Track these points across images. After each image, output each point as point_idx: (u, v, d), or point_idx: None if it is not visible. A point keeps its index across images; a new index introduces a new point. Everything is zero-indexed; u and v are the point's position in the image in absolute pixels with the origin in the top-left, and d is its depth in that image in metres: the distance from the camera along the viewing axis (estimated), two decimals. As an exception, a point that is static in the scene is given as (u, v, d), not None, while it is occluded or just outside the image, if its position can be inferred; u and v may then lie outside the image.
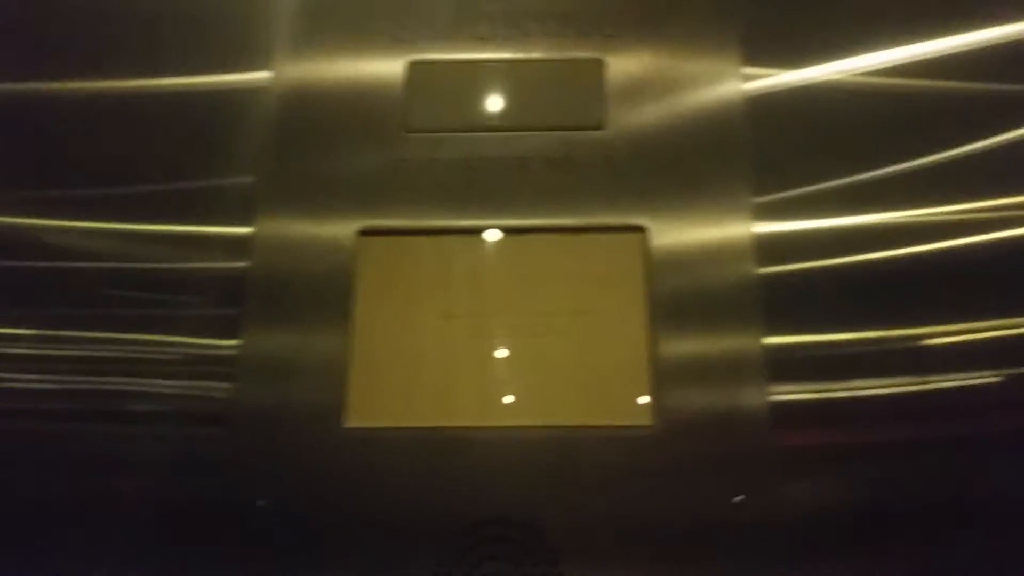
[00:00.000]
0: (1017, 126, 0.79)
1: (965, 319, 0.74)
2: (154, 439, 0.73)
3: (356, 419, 0.73)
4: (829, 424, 0.73)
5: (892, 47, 0.82)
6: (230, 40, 0.85)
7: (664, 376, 0.73)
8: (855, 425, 0.73)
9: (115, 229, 0.79)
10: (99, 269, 0.78)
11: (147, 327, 0.76)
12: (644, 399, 0.73)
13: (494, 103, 0.83)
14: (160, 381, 0.75)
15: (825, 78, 0.82)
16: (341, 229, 0.78)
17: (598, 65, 0.83)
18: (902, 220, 0.77)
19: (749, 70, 0.82)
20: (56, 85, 0.84)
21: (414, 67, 0.83)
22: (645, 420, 0.73)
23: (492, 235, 0.79)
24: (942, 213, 0.77)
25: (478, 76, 0.83)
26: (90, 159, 0.82)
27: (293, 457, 0.72)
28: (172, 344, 0.76)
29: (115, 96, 0.84)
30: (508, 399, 0.75)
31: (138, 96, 0.83)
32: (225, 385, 0.74)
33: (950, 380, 0.73)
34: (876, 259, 0.76)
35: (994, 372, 0.74)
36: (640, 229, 0.78)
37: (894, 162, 0.78)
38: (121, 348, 0.76)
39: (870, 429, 0.73)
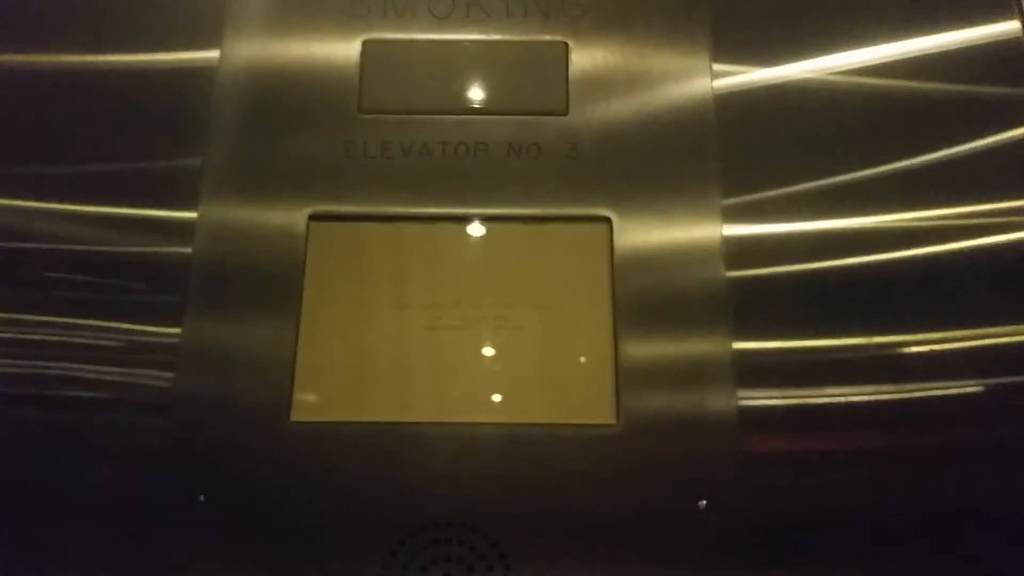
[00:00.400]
0: (994, 130, 0.78)
1: (938, 326, 0.73)
2: (93, 427, 0.72)
3: (303, 413, 0.71)
4: (798, 430, 0.72)
5: (865, 46, 0.81)
6: (178, 17, 0.83)
7: (629, 375, 0.72)
8: (824, 431, 0.72)
9: (55, 210, 0.77)
10: (38, 250, 0.76)
11: (87, 311, 0.74)
12: (607, 397, 0.71)
13: (453, 85, 0.81)
14: (100, 367, 0.73)
15: (797, 77, 0.80)
16: (291, 214, 0.76)
17: (563, 48, 0.81)
18: (875, 225, 0.76)
19: (719, 66, 0.80)
20: (-5, 59, 0.83)
21: (369, 46, 0.81)
22: (608, 419, 0.71)
23: (450, 222, 0.77)
24: (915, 218, 0.76)
25: (437, 56, 0.82)
26: (30, 137, 0.80)
27: (237, 451, 0.70)
28: (113, 330, 0.74)
29: (58, 73, 0.82)
30: (464, 394, 0.72)
31: (82, 73, 0.82)
32: (168, 374, 0.72)
33: (921, 388, 0.72)
34: (848, 264, 0.75)
35: (966, 380, 0.73)
36: (605, 220, 0.76)
37: (867, 165, 0.77)
38: (60, 332, 0.74)
39: (839, 436, 0.72)
